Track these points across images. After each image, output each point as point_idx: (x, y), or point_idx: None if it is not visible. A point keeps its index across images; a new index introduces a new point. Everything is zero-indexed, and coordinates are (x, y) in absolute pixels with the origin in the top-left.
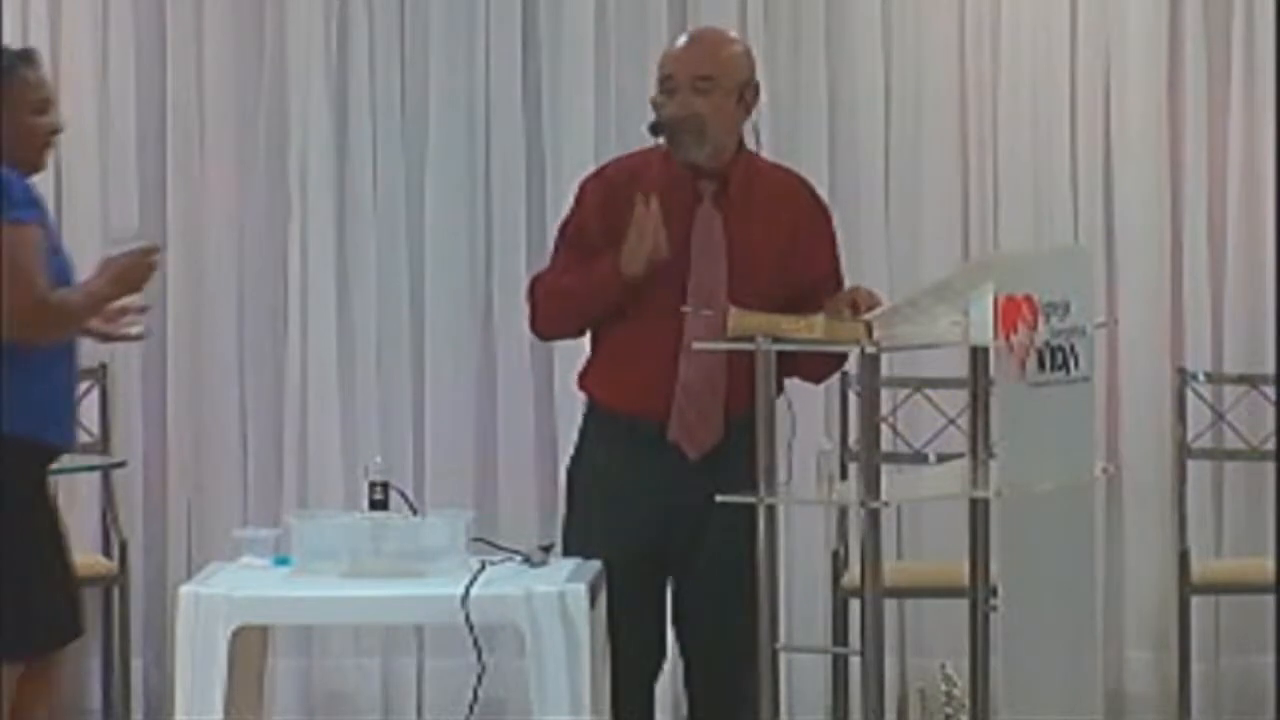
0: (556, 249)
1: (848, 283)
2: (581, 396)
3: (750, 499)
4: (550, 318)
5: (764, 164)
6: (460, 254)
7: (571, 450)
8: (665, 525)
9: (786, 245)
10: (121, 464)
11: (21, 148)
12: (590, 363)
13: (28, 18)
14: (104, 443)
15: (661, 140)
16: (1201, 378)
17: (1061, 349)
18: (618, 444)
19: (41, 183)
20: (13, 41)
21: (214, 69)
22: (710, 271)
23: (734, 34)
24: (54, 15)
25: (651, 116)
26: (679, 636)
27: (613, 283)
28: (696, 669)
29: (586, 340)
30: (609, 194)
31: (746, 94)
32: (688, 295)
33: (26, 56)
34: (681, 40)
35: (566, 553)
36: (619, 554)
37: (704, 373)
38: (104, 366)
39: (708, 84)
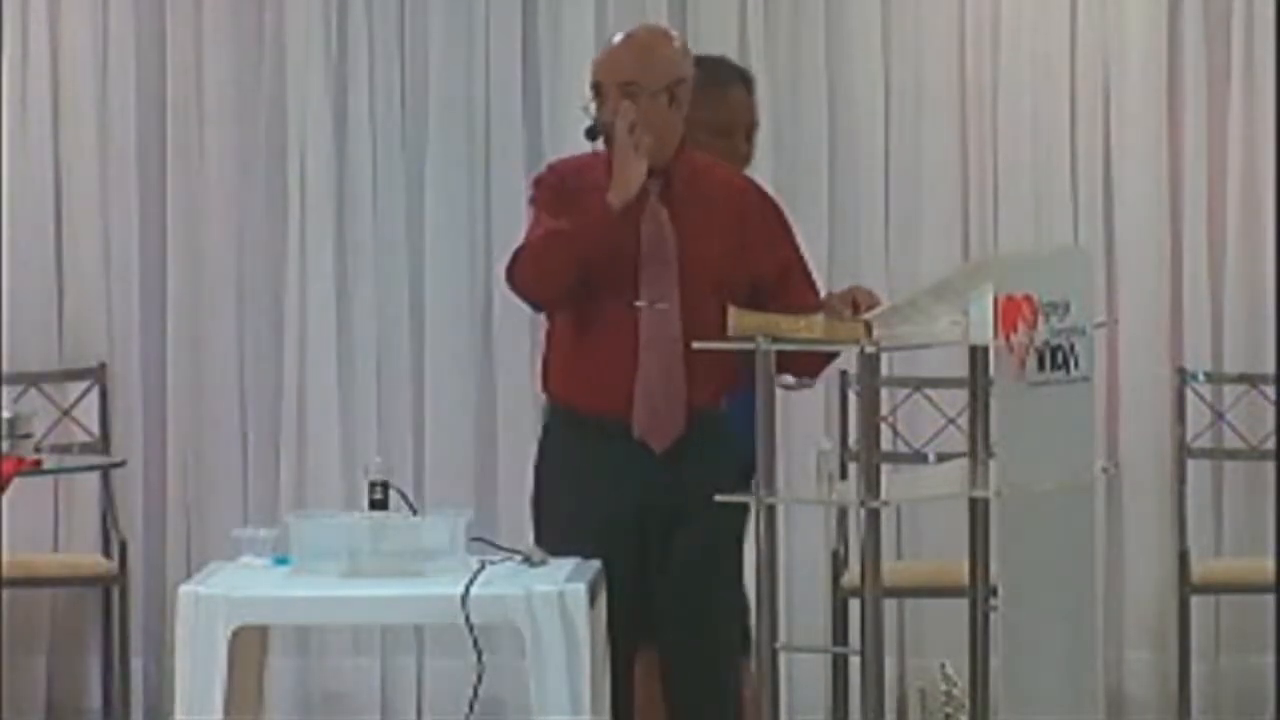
0: (533, 218)
1: (846, 283)
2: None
3: (750, 499)
4: (542, 271)
5: (705, 161)
6: (460, 254)
7: (536, 450)
8: (637, 521)
9: (735, 239)
10: (121, 464)
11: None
12: (549, 365)
13: (28, 18)
14: (104, 443)
15: (599, 144)
16: (1201, 378)
17: (1061, 349)
18: (584, 443)
19: (41, 182)
20: (12, 41)
21: (214, 69)
22: (661, 267)
23: (668, 30)
24: (54, 15)
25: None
26: (657, 637)
27: (602, 218)
28: (675, 669)
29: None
30: (562, 184)
31: (678, 92)
32: (640, 290)
33: (738, 76)
34: (613, 42)
35: (544, 547)
36: (593, 551)
37: (663, 366)
38: (104, 366)
39: (634, 88)
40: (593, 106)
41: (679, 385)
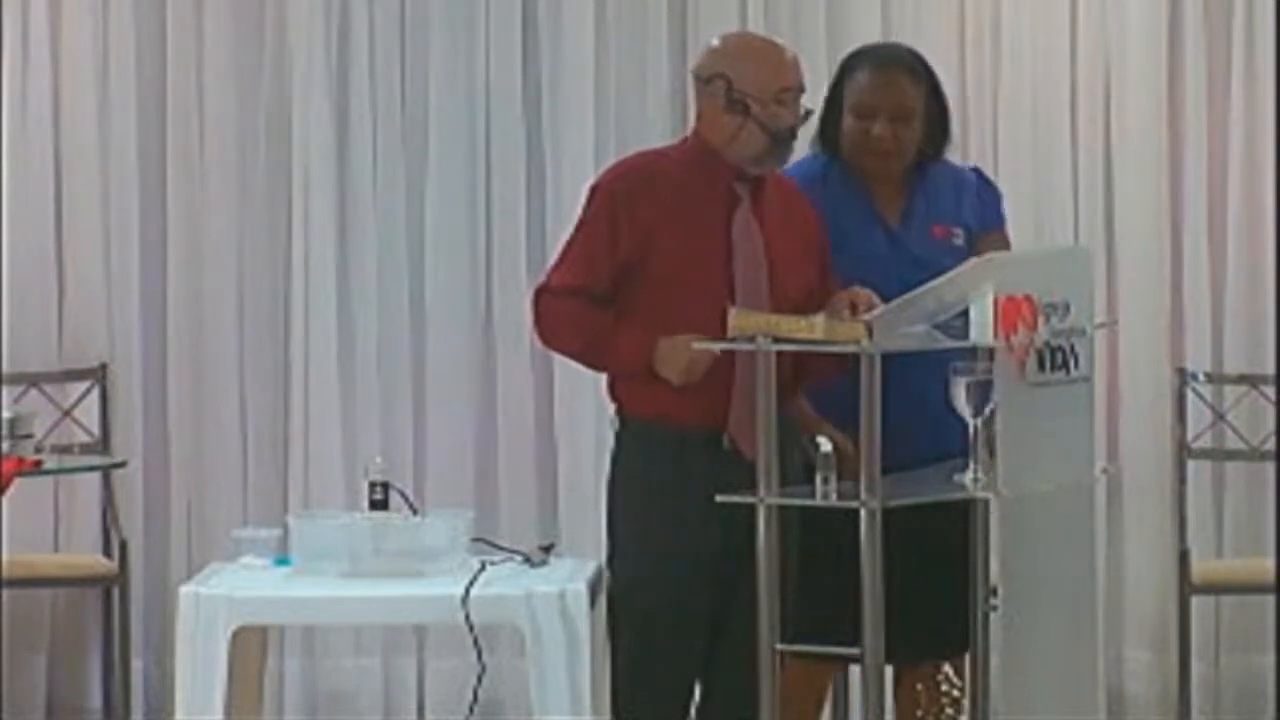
0: (568, 250)
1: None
2: (612, 408)
3: (751, 499)
4: (561, 344)
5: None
6: (460, 254)
7: (609, 467)
8: (730, 529)
9: (801, 247)
10: (121, 464)
11: (849, 149)
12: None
13: (28, 18)
14: (104, 443)
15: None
16: (1201, 378)
17: (1061, 349)
18: (674, 453)
19: (41, 182)
20: (12, 41)
21: (214, 69)
22: (754, 274)
23: None
24: (54, 15)
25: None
26: (720, 637)
27: (638, 364)
28: (723, 667)
29: None
30: (638, 190)
31: None
32: (736, 298)
33: (873, 57)
34: (779, 48)
35: (619, 570)
36: (688, 562)
37: (754, 372)
38: (104, 366)
39: (798, 95)
40: (801, 108)
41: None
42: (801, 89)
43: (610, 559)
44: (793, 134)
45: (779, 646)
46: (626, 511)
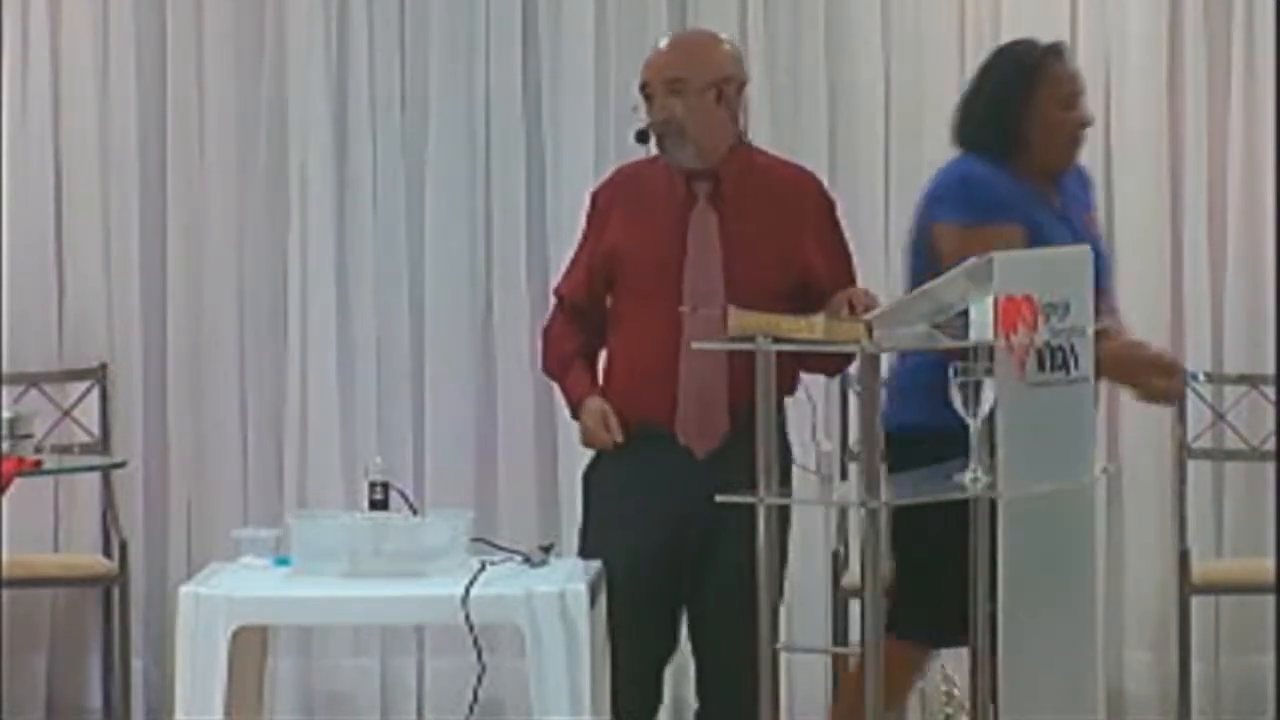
0: (573, 262)
1: None
2: None
3: (750, 499)
4: (542, 358)
5: (765, 160)
6: (460, 254)
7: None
8: (679, 526)
9: (788, 242)
10: (122, 464)
11: (1050, 143)
12: (605, 373)
13: (28, 18)
14: (104, 443)
15: (652, 146)
16: (1201, 378)
17: (1061, 349)
18: (629, 450)
19: (41, 182)
20: (12, 41)
21: (214, 69)
22: (707, 272)
23: (717, 34)
24: (54, 15)
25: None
26: (692, 637)
27: (570, 402)
28: (709, 669)
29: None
30: (614, 197)
31: (726, 90)
32: (684, 296)
33: (1057, 50)
34: (658, 46)
35: (583, 557)
36: (633, 556)
37: (706, 371)
38: (104, 366)
39: (680, 85)
40: (642, 109)
41: (721, 391)
42: (668, 80)
43: (581, 543)
44: (642, 135)
45: (778, 646)
46: (595, 498)
